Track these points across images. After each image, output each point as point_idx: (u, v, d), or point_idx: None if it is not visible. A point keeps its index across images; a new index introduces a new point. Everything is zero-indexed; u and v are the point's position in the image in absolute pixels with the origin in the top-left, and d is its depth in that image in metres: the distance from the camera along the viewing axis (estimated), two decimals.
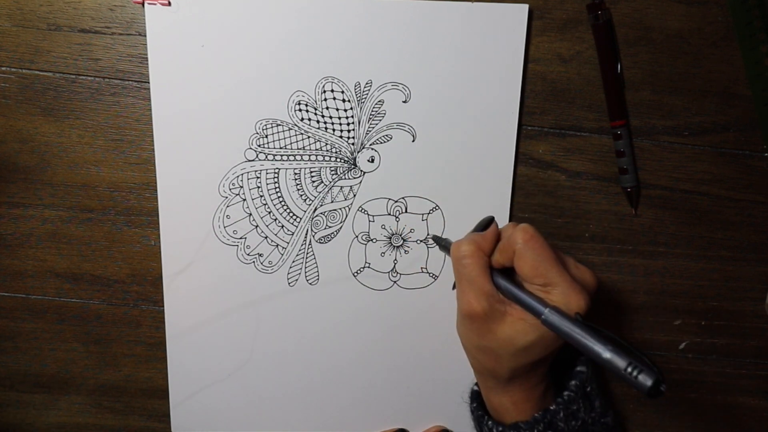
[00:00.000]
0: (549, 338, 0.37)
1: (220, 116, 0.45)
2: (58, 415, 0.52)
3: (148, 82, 0.44)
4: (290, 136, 0.45)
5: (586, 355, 0.34)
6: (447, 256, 0.46)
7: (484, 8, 0.43)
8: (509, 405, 0.41)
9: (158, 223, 0.46)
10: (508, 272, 0.40)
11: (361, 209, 0.47)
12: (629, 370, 0.32)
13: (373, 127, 0.45)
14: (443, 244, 0.45)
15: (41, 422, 0.52)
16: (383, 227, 0.47)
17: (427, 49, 0.44)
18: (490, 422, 0.42)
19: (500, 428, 0.41)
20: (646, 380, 0.31)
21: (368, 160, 0.46)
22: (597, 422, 0.42)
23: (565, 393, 0.41)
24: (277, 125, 0.45)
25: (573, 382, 0.42)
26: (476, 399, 0.45)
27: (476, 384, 0.46)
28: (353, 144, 0.46)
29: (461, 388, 0.49)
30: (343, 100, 0.45)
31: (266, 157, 0.46)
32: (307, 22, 0.43)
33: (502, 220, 0.47)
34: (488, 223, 0.41)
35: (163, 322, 0.48)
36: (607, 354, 0.33)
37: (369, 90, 0.45)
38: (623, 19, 0.44)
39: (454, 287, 0.43)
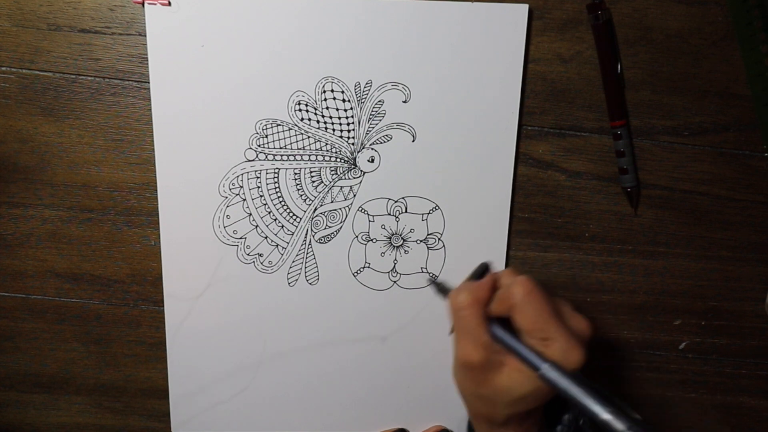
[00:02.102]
0: (545, 390, 0.37)
1: (220, 116, 0.45)
2: (58, 415, 0.52)
3: (148, 82, 0.44)
4: (290, 136, 0.45)
5: (584, 413, 0.34)
6: (443, 300, 0.46)
7: (484, 8, 0.43)
8: None
9: (158, 223, 0.46)
10: (505, 320, 0.39)
11: (361, 209, 0.47)
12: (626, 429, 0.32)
13: (373, 127, 0.45)
14: (441, 290, 0.44)
15: (41, 422, 0.52)
16: (383, 227, 0.47)
17: (427, 49, 0.44)
18: None
19: None
20: None
21: (368, 160, 0.46)
22: None
23: (558, 427, 0.41)
24: (277, 125, 0.45)
25: (566, 416, 0.41)
26: None
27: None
28: (353, 144, 0.46)
29: None
30: (343, 100, 0.45)
31: (266, 157, 0.46)
32: (307, 22, 0.43)
33: (502, 220, 0.47)
34: (484, 270, 0.41)
35: (163, 322, 0.48)
36: (605, 415, 0.33)
37: (369, 90, 0.45)
38: (623, 19, 0.44)
39: (451, 332, 0.43)
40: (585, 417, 0.42)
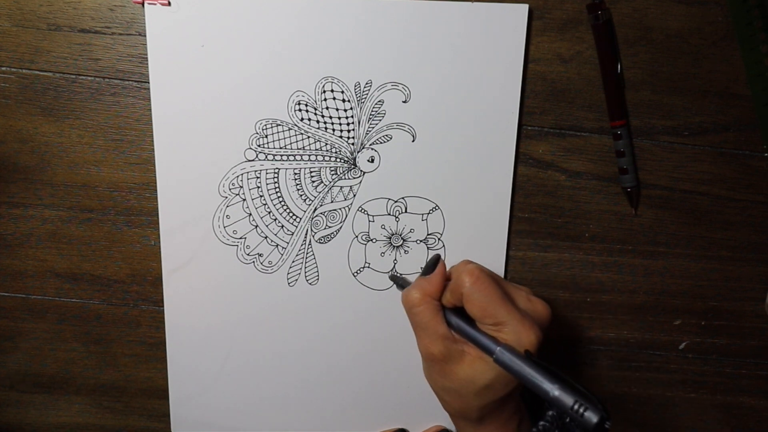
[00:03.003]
0: (508, 375, 0.38)
1: (220, 116, 0.45)
2: (58, 415, 0.52)
3: (148, 82, 0.44)
4: (290, 136, 0.45)
5: (536, 392, 0.35)
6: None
7: (484, 8, 0.43)
8: None
9: (158, 223, 0.46)
10: (462, 310, 0.40)
11: (361, 209, 0.47)
12: (575, 407, 0.33)
13: (373, 127, 0.45)
14: (399, 285, 0.45)
15: (41, 422, 0.52)
16: (383, 227, 0.47)
17: (427, 49, 0.44)
18: None
19: None
20: (591, 417, 0.32)
21: (368, 160, 0.46)
22: None
23: (540, 423, 0.41)
24: (277, 125, 0.45)
25: (550, 412, 0.42)
26: None
27: None
28: (353, 144, 0.46)
29: None
30: (343, 100, 0.45)
31: (266, 157, 0.46)
32: (307, 22, 0.43)
33: (502, 220, 0.47)
34: (434, 263, 0.41)
35: (163, 322, 0.48)
36: (555, 392, 0.34)
37: (369, 90, 0.45)
38: (623, 19, 0.44)
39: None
40: (556, 408, 0.42)
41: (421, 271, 0.42)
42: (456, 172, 0.46)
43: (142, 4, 0.43)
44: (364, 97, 0.45)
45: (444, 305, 0.40)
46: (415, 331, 0.40)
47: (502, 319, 0.37)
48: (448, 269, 0.41)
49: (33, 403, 0.51)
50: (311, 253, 0.47)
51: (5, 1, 0.43)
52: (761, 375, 0.51)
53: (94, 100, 0.45)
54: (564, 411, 0.33)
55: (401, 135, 0.46)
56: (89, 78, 0.45)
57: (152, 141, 0.45)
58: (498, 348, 0.37)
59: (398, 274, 0.48)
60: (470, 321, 0.39)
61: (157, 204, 0.46)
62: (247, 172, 0.46)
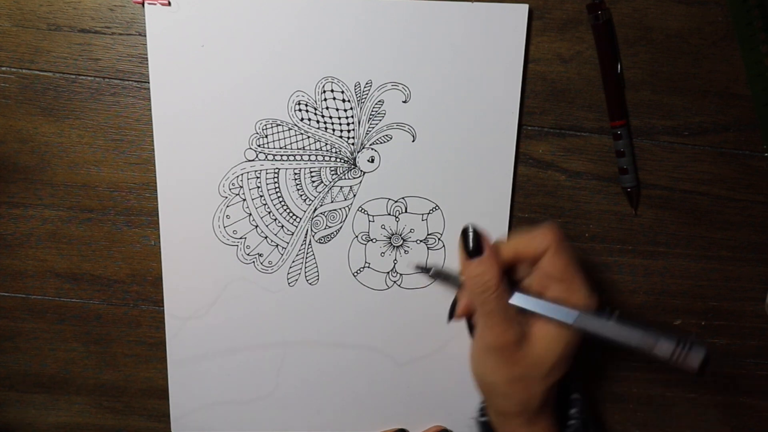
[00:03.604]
0: (573, 348, 0.37)
1: (220, 116, 0.45)
2: (58, 415, 0.52)
3: (148, 82, 0.44)
4: (290, 136, 0.45)
5: (627, 350, 0.33)
6: (450, 288, 0.43)
7: (484, 8, 0.43)
8: None
9: (158, 223, 0.46)
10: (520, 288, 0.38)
11: (361, 209, 0.47)
12: (678, 349, 0.31)
13: (373, 127, 0.45)
14: (444, 277, 0.42)
15: (41, 422, 0.52)
16: (383, 227, 0.47)
17: (427, 49, 0.44)
18: None
19: None
20: (698, 355, 0.31)
21: (368, 160, 0.46)
22: None
23: (570, 422, 0.40)
24: (277, 125, 0.45)
25: (573, 410, 0.41)
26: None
27: (481, 413, 0.44)
28: (353, 144, 0.46)
29: (461, 388, 0.49)
30: (343, 100, 0.45)
31: (266, 157, 0.46)
32: (307, 22, 0.43)
33: (502, 220, 0.47)
34: (477, 236, 0.38)
35: (163, 322, 0.48)
36: (655, 341, 0.32)
37: (369, 90, 0.45)
38: (623, 19, 0.44)
39: (450, 318, 0.40)
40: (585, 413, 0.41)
41: (463, 249, 0.39)
42: (456, 172, 0.46)
43: (142, 4, 0.43)
44: (364, 97, 0.45)
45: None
46: (485, 320, 0.37)
47: (576, 282, 0.36)
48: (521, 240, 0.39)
49: (33, 403, 0.51)
50: (311, 253, 0.47)
51: (5, 1, 0.43)
52: (761, 375, 0.51)
53: (94, 100, 0.45)
54: (666, 358, 0.32)
55: (401, 135, 0.46)
56: (89, 78, 0.45)
57: (152, 141, 0.45)
58: (577, 312, 0.35)
59: (439, 268, 0.45)
60: (538, 297, 0.37)
61: (157, 204, 0.46)
62: (247, 172, 0.46)
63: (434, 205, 0.47)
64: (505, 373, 0.37)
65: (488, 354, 0.38)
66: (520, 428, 0.39)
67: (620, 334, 0.34)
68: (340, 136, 0.45)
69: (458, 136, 0.45)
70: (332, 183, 0.46)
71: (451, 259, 0.47)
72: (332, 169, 0.46)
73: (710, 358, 0.31)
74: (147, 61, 0.44)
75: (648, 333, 0.33)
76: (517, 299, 0.37)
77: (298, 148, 0.46)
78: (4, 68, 0.44)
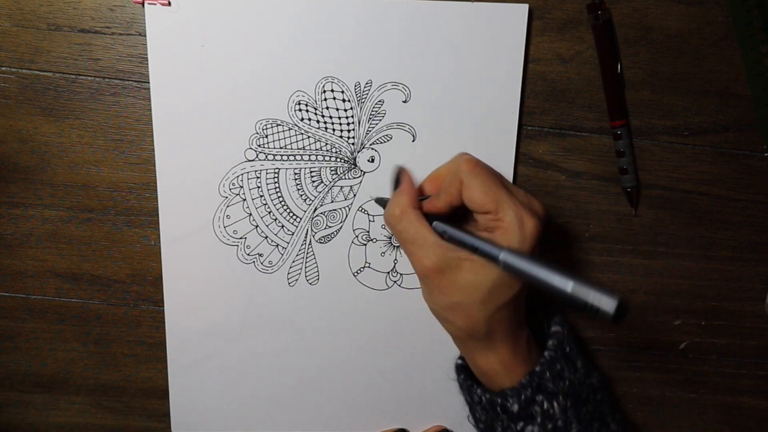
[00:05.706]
0: (507, 276, 0.36)
1: (220, 116, 0.45)
2: (58, 415, 0.52)
3: (148, 82, 0.44)
4: (290, 136, 0.45)
5: (546, 292, 0.34)
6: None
7: (484, 8, 0.43)
8: (498, 366, 0.39)
9: (158, 223, 0.46)
10: (447, 220, 0.39)
11: (361, 209, 0.47)
12: (592, 298, 0.32)
13: (373, 127, 0.45)
14: (384, 205, 0.43)
15: (41, 422, 0.52)
16: (383, 227, 0.47)
17: (427, 49, 0.44)
18: (479, 390, 0.40)
19: (487, 396, 0.40)
20: (610, 304, 0.32)
21: (368, 160, 0.46)
22: (583, 383, 0.41)
23: (546, 353, 0.40)
24: (277, 125, 0.45)
25: (550, 342, 0.41)
26: (463, 371, 0.43)
27: (460, 358, 0.45)
28: (353, 144, 0.46)
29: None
30: (343, 100, 0.45)
31: (266, 157, 0.46)
32: (307, 22, 0.43)
33: None
34: (399, 173, 0.40)
35: (163, 322, 0.48)
36: (569, 287, 0.33)
37: (369, 90, 0.45)
38: (623, 19, 0.44)
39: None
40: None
41: (392, 189, 0.41)
42: None
43: (142, 4, 0.43)
44: (364, 97, 0.45)
45: (433, 215, 0.39)
46: (406, 249, 0.38)
47: (503, 204, 0.36)
48: (442, 167, 0.41)
49: (33, 403, 0.51)
50: (311, 253, 0.47)
51: (5, 1, 0.43)
52: (761, 375, 0.51)
53: (94, 100, 0.45)
54: (580, 305, 0.32)
55: (401, 135, 0.46)
56: (89, 78, 0.45)
57: (152, 141, 0.45)
58: (503, 250, 0.35)
59: (382, 197, 0.46)
60: (464, 231, 0.37)
61: (157, 204, 0.46)
62: (248, 172, 0.46)
63: None
64: (440, 300, 0.38)
65: (420, 282, 0.39)
66: (477, 352, 0.40)
67: (540, 277, 0.34)
68: (340, 136, 0.45)
69: (458, 136, 0.45)
70: (332, 183, 0.46)
71: None
72: (332, 169, 0.46)
73: (626, 305, 0.32)
74: (147, 61, 0.44)
75: (566, 276, 0.33)
76: (444, 230, 0.37)
77: (298, 148, 0.46)
78: (4, 68, 0.44)
